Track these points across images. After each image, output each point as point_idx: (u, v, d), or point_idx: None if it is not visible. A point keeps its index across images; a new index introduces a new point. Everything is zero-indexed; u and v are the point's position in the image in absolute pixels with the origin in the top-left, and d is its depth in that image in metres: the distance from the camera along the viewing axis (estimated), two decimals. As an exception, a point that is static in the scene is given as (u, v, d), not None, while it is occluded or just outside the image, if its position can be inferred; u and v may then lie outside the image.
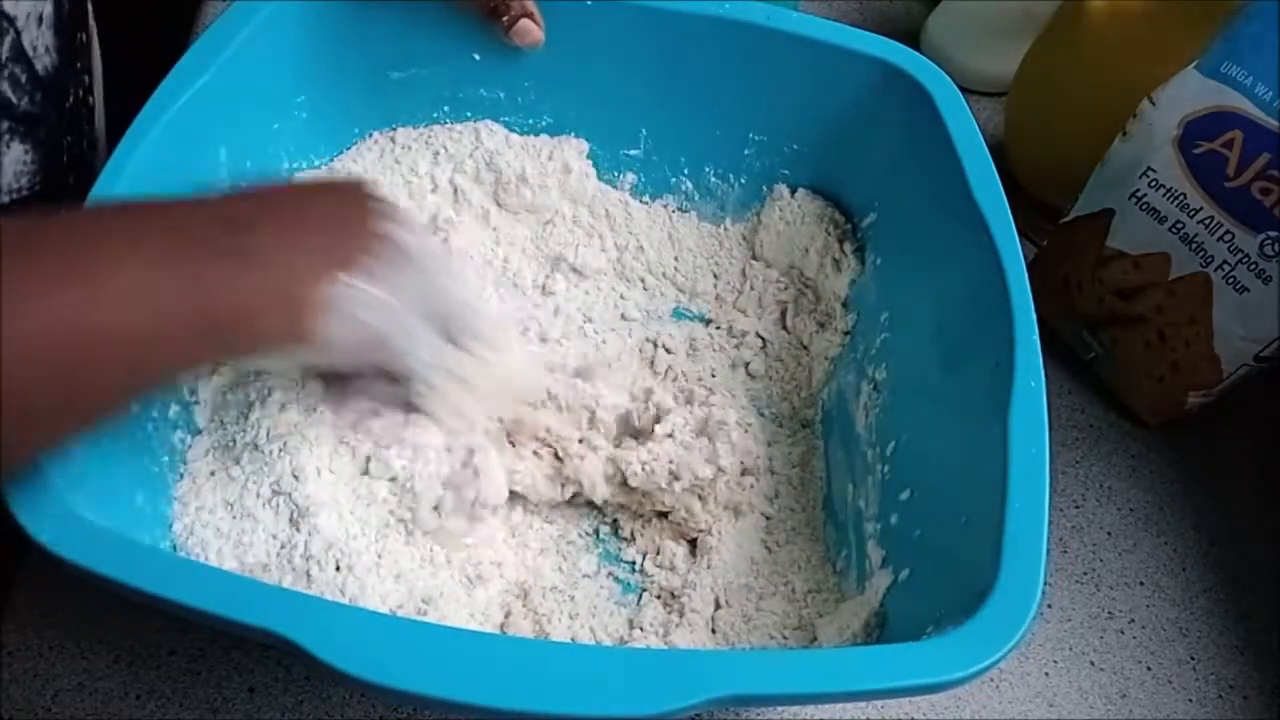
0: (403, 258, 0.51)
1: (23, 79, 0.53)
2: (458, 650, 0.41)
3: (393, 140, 0.71)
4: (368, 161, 0.70)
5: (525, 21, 0.65)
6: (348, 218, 0.52)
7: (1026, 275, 0.55)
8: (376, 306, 0.50)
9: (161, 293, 0.43)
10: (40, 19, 0.53)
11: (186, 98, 0.56)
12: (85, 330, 0.41)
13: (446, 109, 0.71)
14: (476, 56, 0.68)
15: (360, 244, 0.50)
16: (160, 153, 0.54)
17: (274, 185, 0.55)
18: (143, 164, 0.53)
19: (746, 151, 0.72)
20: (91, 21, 0.62)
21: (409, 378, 0.55)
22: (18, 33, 0.52)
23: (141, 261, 0.43)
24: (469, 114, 0.71)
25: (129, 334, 0.43)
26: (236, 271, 0.46)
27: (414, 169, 0.70)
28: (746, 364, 0.71)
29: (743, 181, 0.73)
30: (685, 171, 0.74)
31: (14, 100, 0.53)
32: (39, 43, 0.53)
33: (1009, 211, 0.57)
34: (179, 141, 0.55)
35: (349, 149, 0.70)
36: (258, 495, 0.56)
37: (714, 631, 0.58)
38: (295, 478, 0.56)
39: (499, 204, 0.72)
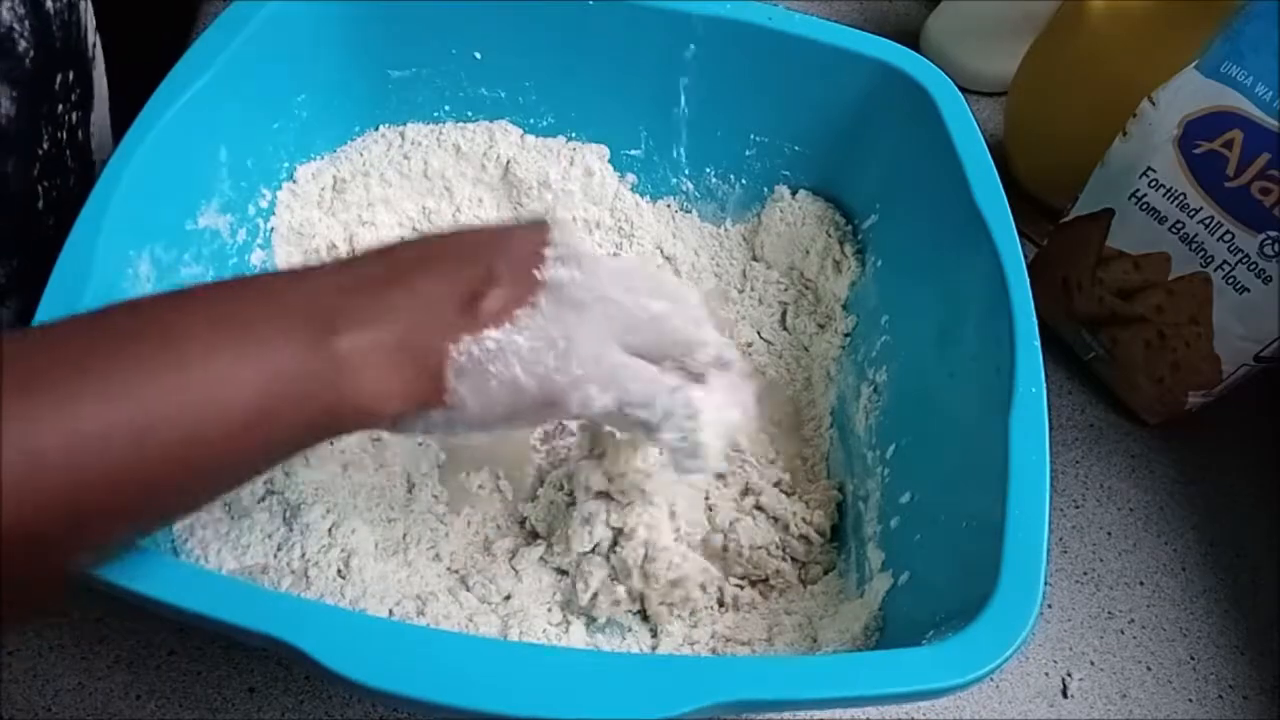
0: (565, 296, 0.45)
1: None
2: (459, 655, 0.41)
3: (402, 136, 0.71)
4: (374, 154, 0.69)
5: None
6: (487, 258, 0.46)
7: (1027, 278, 0.55)
8: (522, 359, 0.44)
9: (266, 371, 0.39)
10: None
11: (187, 98, 0.55)
12: (185, 419, 0.38)
13: (448, 108, 0.70)
14: (477, 55, 0.68)
15: (501, 286, 0.45)
16: (161, 152, 0.54)
17: (402, 242, 0.48)
18: (144, 164, 0.52)
19: (748, 152, 0.72)
20: (94, 55, 0.60)
21: (650, 430, 0.48)
22: None
23: (237, 338, 0.40)
24: (470, 113, 0.71)
25: (230, 419, 0.39)
26: (353, 336, 0.41)
27: (425, 166, 0.70)
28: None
29: (744, 182, 0.73)
30: (686, 172, 0.74)
31: None
32: None
33: (1010, 214, 0.57)
34: (180, 141, 0.55)
35: (354, 141, 0.70)
36: (251, 493, 0.57)
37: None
38: (285, 474, 0.56)
39: (517, 206, 0.72)
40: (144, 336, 0.39)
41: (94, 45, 0.60)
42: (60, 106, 0.58)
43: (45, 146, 0.57)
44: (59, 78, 0.57)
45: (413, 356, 0.43)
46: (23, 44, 0.53)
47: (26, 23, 0.53)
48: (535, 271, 0.46)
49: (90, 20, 0.60)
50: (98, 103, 0.62)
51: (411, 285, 0.44)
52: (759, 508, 0.62)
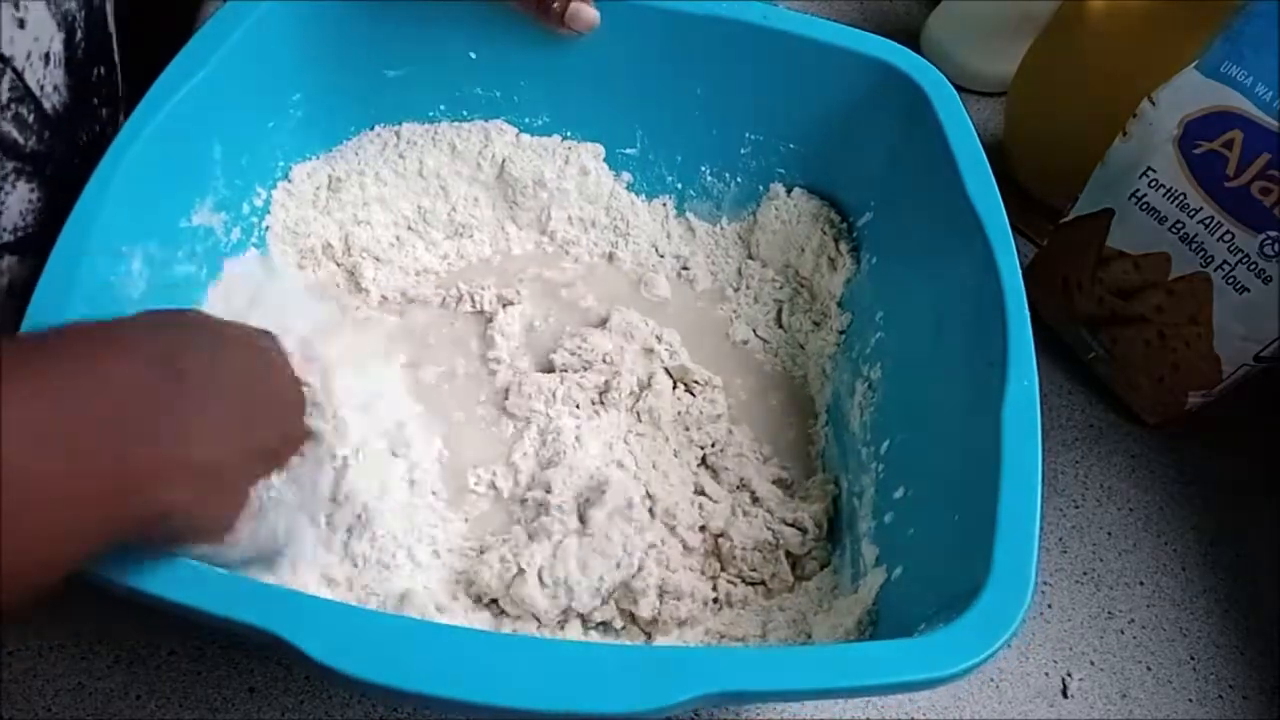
0: (312, 454, 0.49)
1: (29, 118, 0.52)
2: (450, 648, 0.41)
3: (397, 135, 0.71)
4: (369, 153, 0.70)
5: (576, 5, 0.63)
6: (275, 397, 0.48)
7: (1021, 275, 0.55)
8: (288, 509, 0.47)
9: (84, 438, 0.37)
10: (47, 57, 0.52)
11: (181, 95, 0.55)
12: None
13: (443, 107, 0.70)
14: (473, 55, 0.68)
15: (287, 435, 0.47)
16: (155, 150, 0.54)
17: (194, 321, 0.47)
18: (137, 161, 0.53)
19: (743, 151, 0.72)
20: (116, 56, 0.61)
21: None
22: (17, 73, 0.50)
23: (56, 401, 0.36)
24: (465, 113, 0.71)
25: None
26: (159, 451, 0.39)
27: (421, 165, 0.71)
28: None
29: (739, 181, 0.73)
30: (681, 171, 0.74)
31: (20, 140, 0.51)
32: (47, 81, 0.52)
33: (1004, 212, 0.57)
34: (174, 138, 0.55)
35: (349, 140, 0.70)
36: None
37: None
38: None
39: (512, 205, 0.72)
40: None
41: (115, 62, 0.61)
42: (96, 99, 0.58)
43: (84, 139, 0.57)
44: (96, 70, 0.58)
45: (217, 487, 0.43)
46: (79, 33, 0.54)
47: (83, 13, 0.54)
48: (300, 418, 0.48)
49: (111, 23, 0.60)
50: (123, 116, 0.62)
51: (204, 408, 0.42)
52: (755, 501, 0.62)
